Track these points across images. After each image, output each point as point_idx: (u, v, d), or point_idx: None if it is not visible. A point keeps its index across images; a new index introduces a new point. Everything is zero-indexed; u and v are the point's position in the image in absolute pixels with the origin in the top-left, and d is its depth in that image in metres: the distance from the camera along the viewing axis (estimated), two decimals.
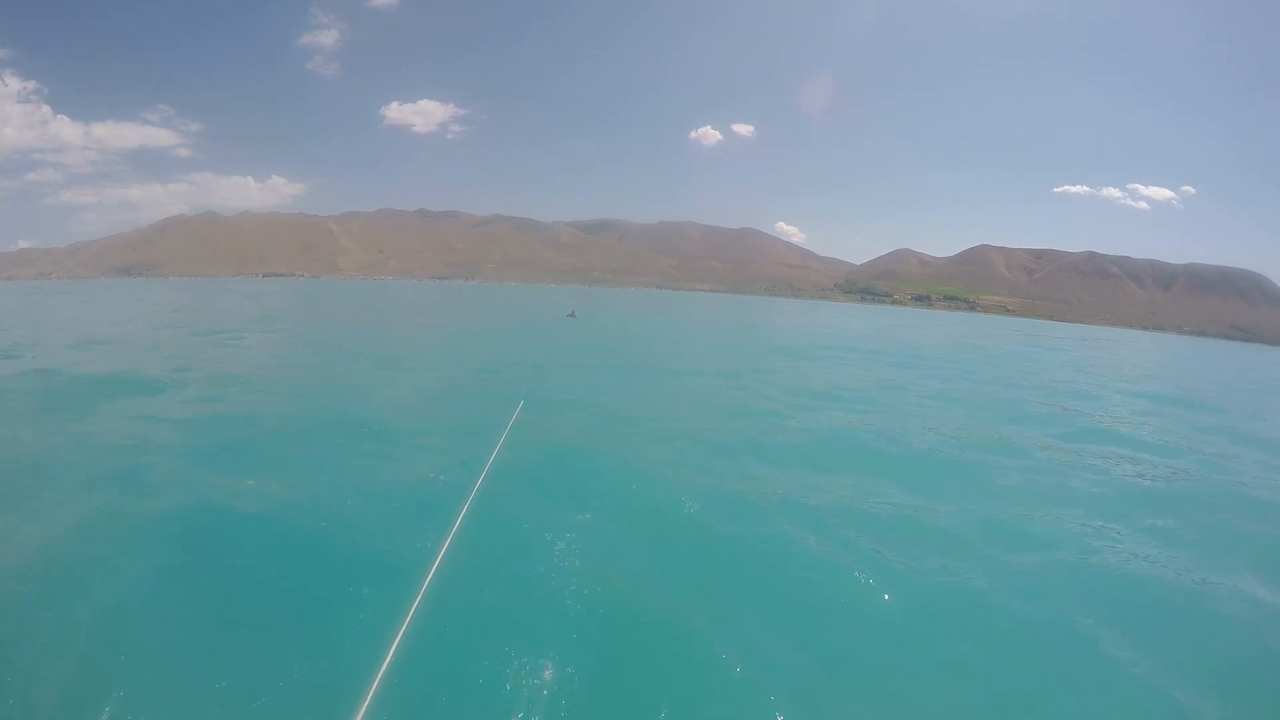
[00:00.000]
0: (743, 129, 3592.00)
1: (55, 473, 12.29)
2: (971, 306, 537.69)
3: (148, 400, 18.87)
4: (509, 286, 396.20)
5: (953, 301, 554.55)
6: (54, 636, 6.78)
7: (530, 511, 10.19)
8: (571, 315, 64.28)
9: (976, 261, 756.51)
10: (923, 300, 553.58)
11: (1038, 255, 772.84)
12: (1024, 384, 32.94)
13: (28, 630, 6.91)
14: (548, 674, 6.35)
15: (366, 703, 4.12)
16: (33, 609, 7.43)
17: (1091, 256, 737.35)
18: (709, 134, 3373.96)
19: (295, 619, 7.28)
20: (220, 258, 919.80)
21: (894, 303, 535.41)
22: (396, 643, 4.58)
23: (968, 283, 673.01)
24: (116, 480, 11.78)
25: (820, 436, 17.76)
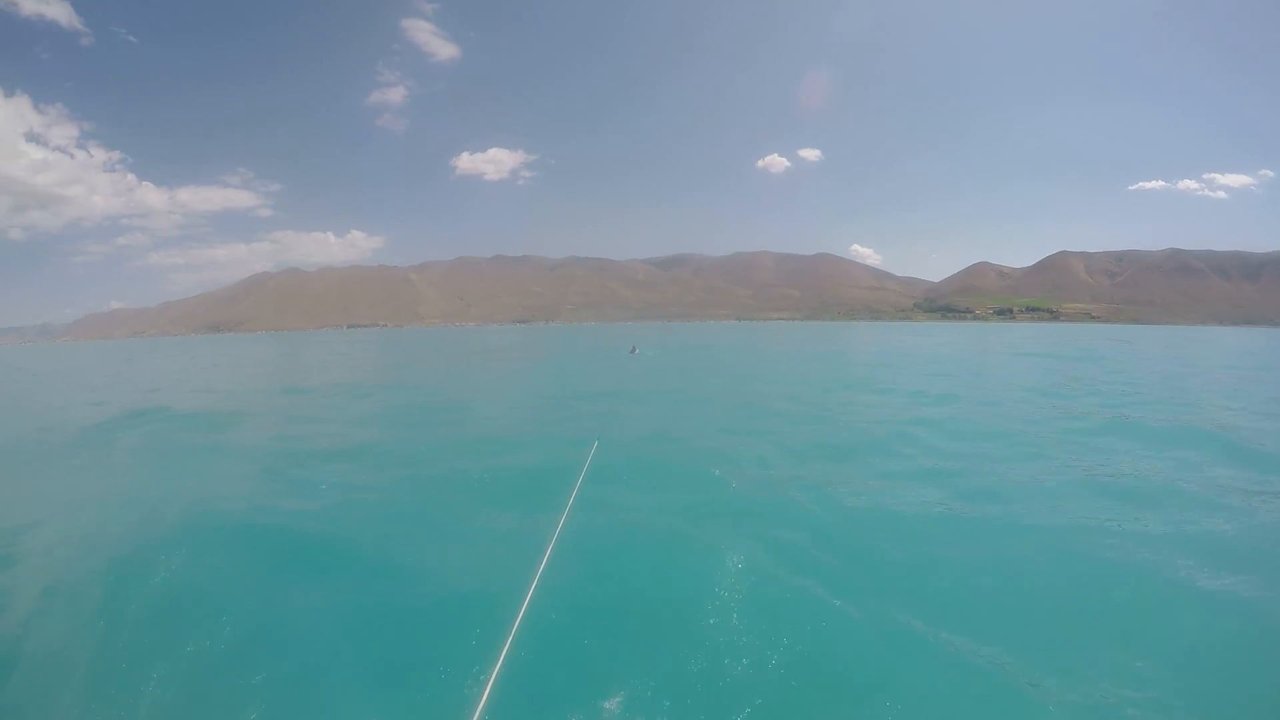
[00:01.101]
0: (810, 154, 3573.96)
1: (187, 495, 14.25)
2: (1054, 316, 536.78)
3: (248, 442, 21.49)
4: (587, 327, 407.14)
5: (1035, 313, 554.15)
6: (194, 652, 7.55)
7: (614, 549, 10.48)
8: (633, 352, 63.79)
9: (1056, 269, 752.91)
10: (1004, 314, 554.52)
11: (1118, 257, 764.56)
12: None
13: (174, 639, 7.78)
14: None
15: None
16: (168, 622, 8.33)
17: (1174, 253, 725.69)
18: (776, 161, 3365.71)
19: (386, 673, 7.31)
20: (305, 311, 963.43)
21: (975, 318, 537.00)
22: (491, 683, 4.62)
23: (1048, 291, 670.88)
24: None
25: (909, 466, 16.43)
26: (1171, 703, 6.67)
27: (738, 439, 19.90)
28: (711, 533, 10.88)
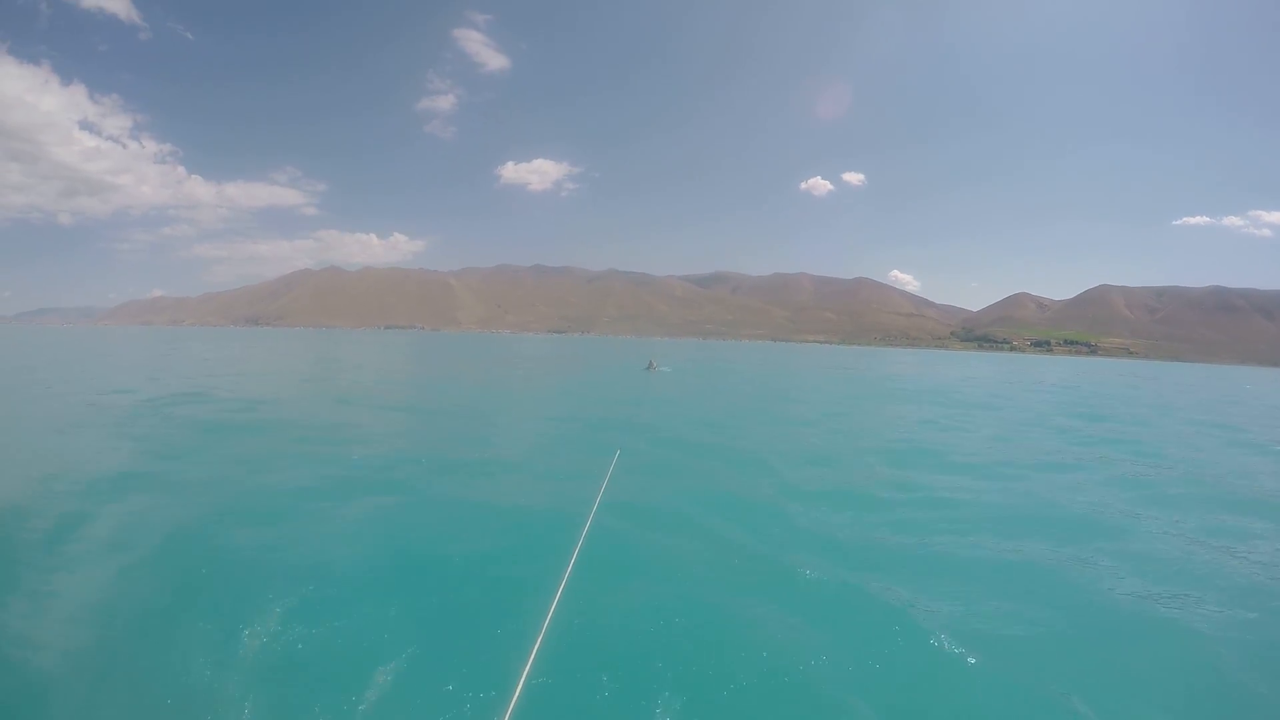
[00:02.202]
0: (853, 178, 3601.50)
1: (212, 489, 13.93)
2: (1092, 350, 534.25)
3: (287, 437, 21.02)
4: (622, 340, 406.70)
5: (1073, 346, 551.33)
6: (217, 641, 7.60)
7: (637, 555, 10.51)
8: (650, 368, 63.52)
9: (1096, 303, 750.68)
10: (1042, 345, 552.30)
11: (1159, 293, 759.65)
12: None
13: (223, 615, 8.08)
14: None
15: None
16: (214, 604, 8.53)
17: (1216, 291, 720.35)
18: (819, 184, 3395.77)
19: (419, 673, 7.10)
20: (344, 310, 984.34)
21: (1012, 349, 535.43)
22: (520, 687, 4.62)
23: (1087, 325, 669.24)
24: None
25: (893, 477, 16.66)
26: None
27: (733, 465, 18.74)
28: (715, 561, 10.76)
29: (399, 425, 25.27)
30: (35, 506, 12.62)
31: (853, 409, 35.47)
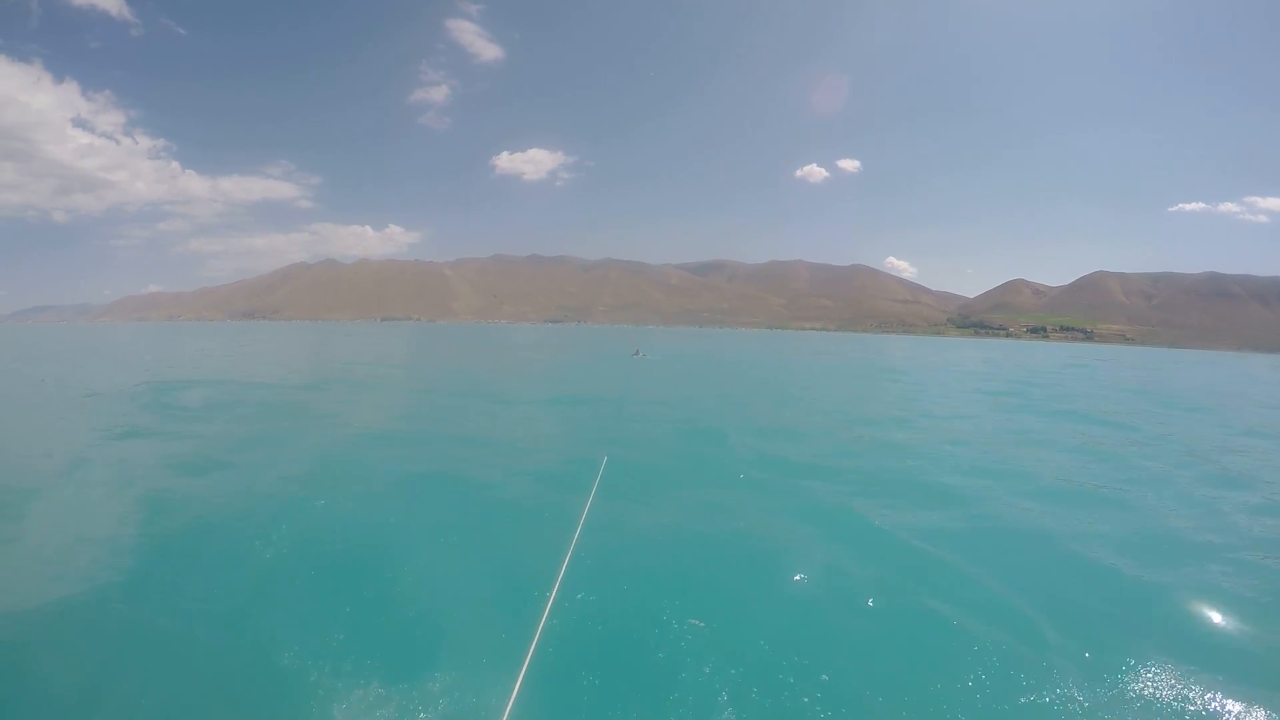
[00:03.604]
0: (848, 165, 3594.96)
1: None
2: (1088, 336, 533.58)
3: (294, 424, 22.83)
4: (619, 328, 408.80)
5: (1069, 332, 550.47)
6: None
7: (625, 567, 10.00)
8: (637, 355, 63.85)
9: (1092, 289, 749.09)
10: (1038, 332, 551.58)
11: (1155, 279, 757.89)
12: None
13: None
14: None
15: None
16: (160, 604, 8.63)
17: (1212, 277, 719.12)
18: (814, 171, 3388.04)
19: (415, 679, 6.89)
20: (340, 303, 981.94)
21: (1008, 335, 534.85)
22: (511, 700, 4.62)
23: (1084, 311, 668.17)
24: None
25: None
26: None
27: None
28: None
29: (394, 418, 25.65)
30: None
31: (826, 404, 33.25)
